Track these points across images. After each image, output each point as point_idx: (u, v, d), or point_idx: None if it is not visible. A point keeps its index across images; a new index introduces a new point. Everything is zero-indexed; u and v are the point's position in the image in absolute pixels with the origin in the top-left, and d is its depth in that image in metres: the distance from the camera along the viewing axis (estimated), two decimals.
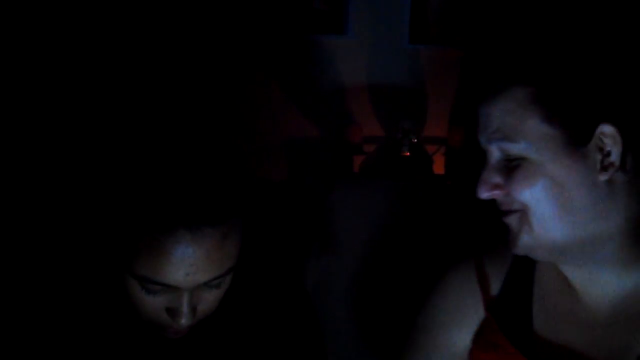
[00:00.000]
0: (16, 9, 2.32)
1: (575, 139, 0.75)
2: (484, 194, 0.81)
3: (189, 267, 0.77)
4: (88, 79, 2.39)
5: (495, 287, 0.91)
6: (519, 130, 0.76)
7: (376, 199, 1.78)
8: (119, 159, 0.83)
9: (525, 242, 0.80)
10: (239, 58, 2.72)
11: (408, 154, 2.70)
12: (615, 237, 0.77)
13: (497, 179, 0.80)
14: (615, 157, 0.75)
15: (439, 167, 2.84)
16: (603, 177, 0.75)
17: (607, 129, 0.74)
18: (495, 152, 0.80)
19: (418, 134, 2.75)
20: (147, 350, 0.92)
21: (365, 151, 2.81)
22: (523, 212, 0.78)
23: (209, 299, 0.85)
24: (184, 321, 0.82)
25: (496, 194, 0.80)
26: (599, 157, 0.75)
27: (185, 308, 0.81)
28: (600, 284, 0.82)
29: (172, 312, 0.82)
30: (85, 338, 0.91)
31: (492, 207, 0.84)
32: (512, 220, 0.80)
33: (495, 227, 0.85)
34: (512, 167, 0.78)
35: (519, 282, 0.89)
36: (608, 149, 0.75)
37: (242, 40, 2.71)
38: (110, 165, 0.83)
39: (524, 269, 0.89)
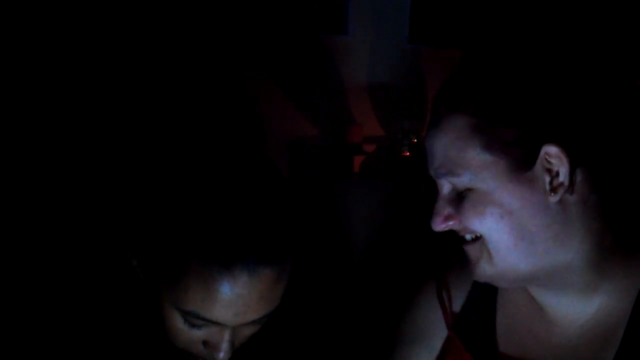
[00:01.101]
0: (16, 9, 2.32)
1: (519, 164, 0.73)
2: (439, 226, 0.79)
3: (241, 307, 0.74)
4: (89, 85, 2.39)
5: (457, 305, 0.89)
6: (461, 163, 0.74)
7: (377, 199, 1.78)
8: (182, 187, 0.77)
9: (486, 271, 0.77)
10: (239, 58, 2.72)
11: (408, 154, 2.71)
12: (577, 261, 0.75)
13: (450, 209, 0.78)
14: (563, 177, 0.72)
15: None
16: (554, 199, 0.73)
17: (551, 149, 0.72)
18: (445, 185, 0.79)
19: (418, 134, 2.75)
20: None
21: (365, 151, 2.81)
22: (481, 241, 0.77)
23: (247, 335, 0.81)
24: (223, 356, 0.78)
25: (450, 224, 0.78)
26: (547, 178, 0.73)
27: (226, 345, 0.77)
28: (567, 306, 0.79)
29: (211, 345, 0.79)
30: (107, 353, 0.89)
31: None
32: (471, 250, 0.78)
33: (459, 245, 0.84)
34: (461, 197, 0.77)
35: (481, 300, 0.87)
36: (555, 169, 0.73)
37: (242, 40, 2.71)
38: (172, 193, 0.77)
39: (487, 288, 0.87)
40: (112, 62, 2.44)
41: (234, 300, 0.74)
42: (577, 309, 0.80)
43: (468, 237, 0.78)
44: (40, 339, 0.87)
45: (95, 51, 2.41)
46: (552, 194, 0.73)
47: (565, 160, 0.72)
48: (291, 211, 0.79)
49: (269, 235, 0.74)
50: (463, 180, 0.75)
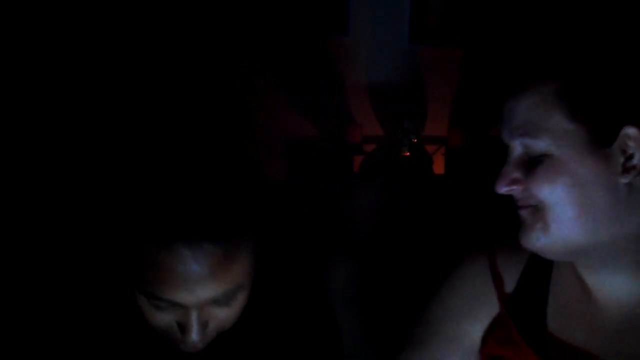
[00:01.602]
0: (16, 9, 2.31)
1: (599, 139, 0.73)
2: (503, 189, 0.80)
3: (193, 285, 0.74)
4: (88, 83, 2.39)
5: (510, 284, 0.90)
6: (542, 126, 0.75)
7: (377, 199, 1.78)
8: (122, 170, 0.80)
9: (538, 240, 0.78)
10: (239, 58, 2.72)
11: (408, 154, 2.70)
12: (632, 243, 0.76)
13: (517, 174, 0.79)
14: (637, 161, 0.73)
15: (439, 167, 2.84)
16: (624, 180, 0.74)
17: (631, 131, 0.72)
18: (517, 148, 0.79)
19: (418, 134, 2.75)
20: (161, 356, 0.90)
21: (365, 151, 2.81)
22: (539, 209, 0.77)
23: (221, 316, 0.82)
24: (194, 337, 0.79)
25: (514, 189, 0.79)
26: (621, 159, 0.73)
27: (194, 325, 0.78)
28: (616, 290, 0.80)
29: (182, 327, 0.80)
30: (101, 348, 0.89)
31: (507, 204, 0.83)
32: (526, 214, 0.79)
33: (510, 224, 0.84)
34: (533, 163, 0.77)
35: (535, 281, 0.88)
36: (631, 151, 0.73)
37: (242, 40, 2.71)
38: (114, 176, 0.81)
39: (541, 269, 0.88)
40: (107, 64, 2.44)
41: (182, 278, 0.74)
42: (625, 292, 0.81)
43: (526, 205, 0.79)
44: (33, 334, 0.88)
45: (87, 49, 2.41)
46: (624, 174, 0.74)
47: None
48: (243, 195, 0.78)
49: (210, 211, 0.74)
50: (540, 144, 0.76)
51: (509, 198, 0.81)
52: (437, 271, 0.98)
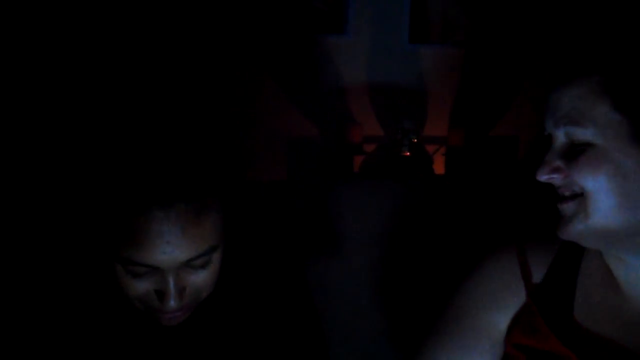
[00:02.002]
0: (16, 9, 2.32)
1: None
2: (544, 176, 0.82)
3: (166, 245, 0.78)
4: (83, 73, 2.39)
5: (537, 275, 0.91)
6: (587, 116, 0.77)
7: (378, 199, 1.78)
8: (95, 143, 0.84)
9: (577, 229, 0.80)
10: (239, 58, 2.72)
11: (408, 154, 2.71)
12: None
13: (559, 162, 0.81)
14: None
15: (439, 167, 2.84)
16: None
17: None
18: (560, 137, 0.81)
19: (418, 134, 2.75)
20: (143, 343, 0.91)
21: (365, 151, 2.81)
22: (581, 199, 0.79)
23: (197, 280, 0.85)
24: (172, 302, 0.81)
25: (555, 177, 0.81)
26: None
27: (171, 289, 0.81)
28: None
29: (160, 294, 0.82)
30: (79, 327, 0.91)
31: (536, 197, 0.85)
32: (568, 208, 0.81)
33: (539, 216, 0.86)
34: (576, 152, 0.79)
35: (563, 272, 0.90)
36: None
37: (242, 39, 2.71)
38: (87, 149, 0.84)
39: (570, 260, 0.90)
40: (106, 60, 2.44)
41: (156, 238, 0.77)
42: None
43: (567, 193, 0.81)
44: (13, 320, 0.89)
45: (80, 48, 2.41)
46: None
47: None
48: (208, 157, 0.83)
49: (180, 175, 0.79)
50: (586, 133, 0.78)
51: (532, 195, 0.83)
52: (450, 268, 0.98)
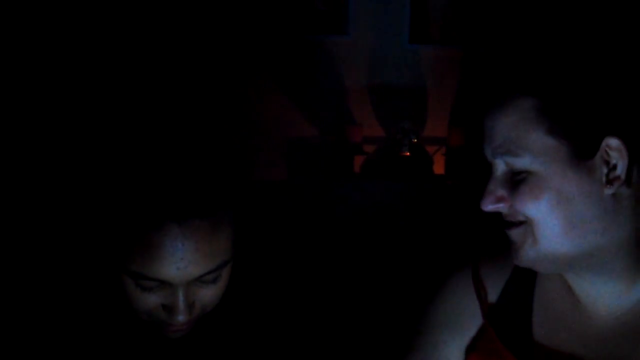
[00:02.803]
0: (16, 9, 2.32)
1: (581, 152, 0.73)
2: (489, 207, 0.80)
3: (180, 261, 0.77)
4: (86, 76, 2.39)
5: (493, 295, 0.90)
6: (523, 144, 0.75)
7: (378, 199, 1.78)
8: (109, 156, 0.84)
9: (529, 255, 0.78)
10: (239, 58, 2.72)
11: (408, 154, 2.71)
12: (621, 250, 0.76)
13: (502, 191, 0.78)
14: (621, 171, 0.73)
15: (439, 167, 2.84)
16: (609, 191, 0.73)
17: (613, 142, 0.72)
18: (500, 165, 0.79)
19: (418, 134, 2.75)
20: (148, 352, 0.91)
21: (365, 151, 2.82)
22: (527, 225, 0.77)
23: (206, 295, 0.84)
24: (181, 318, 0.81)
25: (500, 207, 0.79)
26: (604, 170, 0.73)
27: (181, 304, 0.80)
28: (605, 297, 0.80)
29: (169, 308, 0.81)
30: (84, 338, 0.90)
31: (492, 216, 0.83)
32: (515, 234, 0.79)
33: (494, 234, 0.84)
34: (517, 180, 0.77)
35: (519, 290, 0.88)
36: (614, 162, 0.73)
37: (242, 40, 2.72)
38: (100, 162, 0.83)
39: (525, 277, 0.88)
40: (109, 61, 2.44)
41: (171, 254, 0.77)
42: (614, 300, 0.81)
43: (514, 220, 0.79)
44: (19, 329, 0.89)
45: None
46: (608, 185, 0.74)
47: (625, 154, 0.72)
48: (223, 173, 0.83)
49: (196, 190, 0.78)
50: (523, 162, 0.76)
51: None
52: (429, 278, 0.98)
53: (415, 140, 2.72)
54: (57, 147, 2.13)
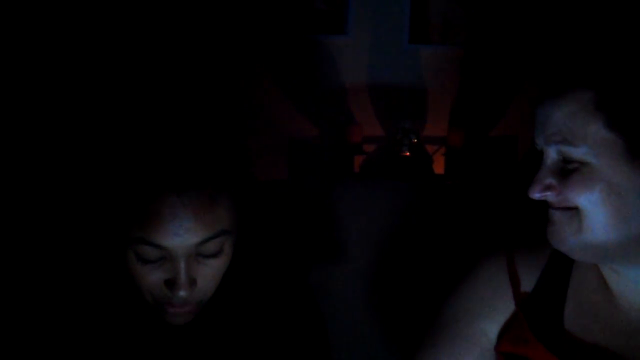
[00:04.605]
0: (16, 9, 2.32)
1: (636, 147, 0.75)
2: (537, 194, 0.81)
3: (179, 228, 0.80)
4: (85, 69, 2.40)
5: (527, 284, 0.91)
6: (580, 135, 0.76)
7: (378, 199, 1.78)
8: (110, 130, 0.87)
9: (569, 242, 0.79)
10: (239, 58, 2.72)
11: (408, 154, 2.71)
12: None
13: (552, 180, 0.80)
14: None
15: (439, 167, 2.85)
16: None
17: None
18: (552, 154, 0.80)
19: (418, 134, 2.75)
20: (148, 345, 0.92)
21: (365, 151, 2.82)
22: (574, 213, 0.78)
23: (208, 274, 0.86)
24: (182, 293, 0.82)
25: (548, 195, 0.80)
26: None
27: (182, 276, 0.82)
28: (637, 291, 0.82)
29: (171, 283, 0.83)
30: (86, 326, 0.91)
31: (526, 205, 0.84)
32: (559, 215, 0.80)
33: (530, 225, 0.85)
34: (569, 170, 0.78)
35: (553, 282, 0.89)
36: None
37: (242, 39, 2.72)
38: (101, 136, 0.86)
39: (560, 269, 0.89)
40: (108, 60, 2.44)
41: (169, 222, 0.80)
42: None
43: (561, 207, 0.80)
44: (20, 314, 0.90)
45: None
46: None
47: None
48: (222, 145, 0.87)
49: (195, 160, 0.82)
50: (578, 152, 0.77)
51: (525, 200, 0.82)
52: (450, 272, 0.98)
53: (415, 140, 2.72)
54: (58, 122, 2.14)
